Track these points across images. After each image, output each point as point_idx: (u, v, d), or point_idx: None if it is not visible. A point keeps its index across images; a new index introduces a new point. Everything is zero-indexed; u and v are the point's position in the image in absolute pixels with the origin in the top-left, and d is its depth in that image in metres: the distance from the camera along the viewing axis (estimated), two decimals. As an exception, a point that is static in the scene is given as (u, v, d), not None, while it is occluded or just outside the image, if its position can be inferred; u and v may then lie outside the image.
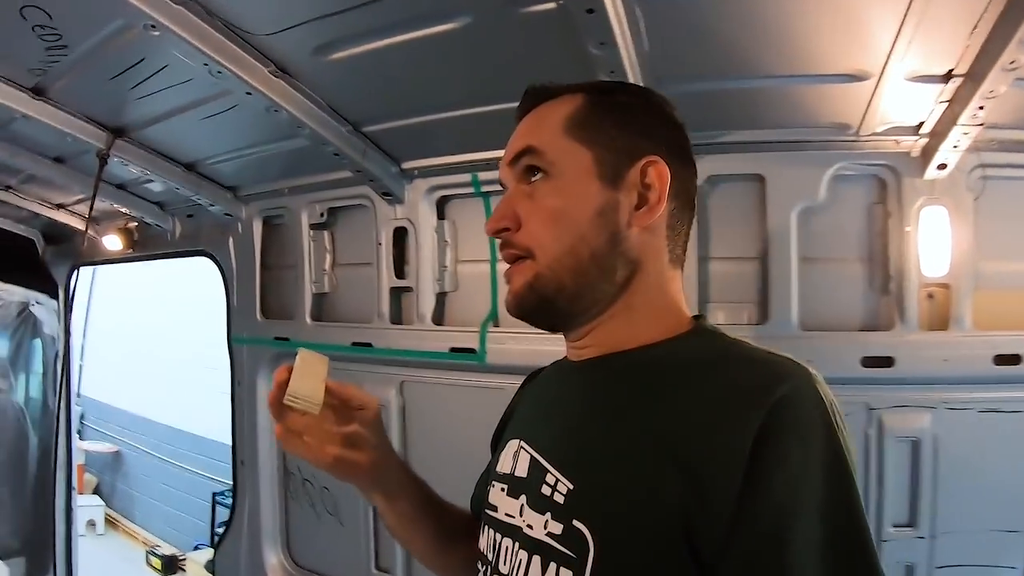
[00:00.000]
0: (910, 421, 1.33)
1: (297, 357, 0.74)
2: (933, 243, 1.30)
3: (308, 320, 2.06)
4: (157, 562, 5.78)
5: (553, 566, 0.62)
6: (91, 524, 6.48)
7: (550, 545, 0.63)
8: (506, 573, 0.68)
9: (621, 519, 0.59)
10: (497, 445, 0.84)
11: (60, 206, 2.64)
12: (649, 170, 0.68)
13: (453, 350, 1.73)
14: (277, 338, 2.13)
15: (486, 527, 0.75)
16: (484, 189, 1.69)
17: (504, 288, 0.73)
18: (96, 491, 7.06)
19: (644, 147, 0.69)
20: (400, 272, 1.86)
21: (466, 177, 1.68)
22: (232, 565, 2.26)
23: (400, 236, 1.85)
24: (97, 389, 7.21)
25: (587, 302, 0.70)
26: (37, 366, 3.03)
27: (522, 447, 0.73)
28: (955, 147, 1.18)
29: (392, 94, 1.47)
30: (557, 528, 0.62)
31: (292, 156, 1.78)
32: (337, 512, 2.07)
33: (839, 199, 1.37)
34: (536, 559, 0.64)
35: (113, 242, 2.66)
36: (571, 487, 0.63)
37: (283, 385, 0.71)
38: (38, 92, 1.58)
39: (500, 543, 0.71)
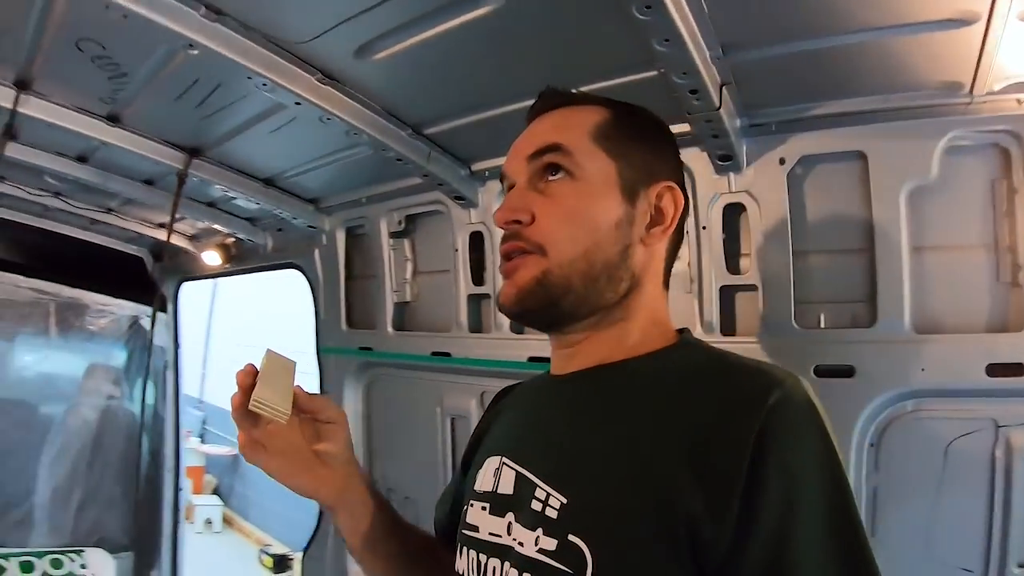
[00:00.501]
0: None
1: (263, 358, 0.70)
2: None
3: (390, 330, 2.08)
4: (268, 560, 6.17)
5: None
6: (208, 522, 7.08)
7: (543, 563, 0.62)
8: None
9: (621, 532, 0.59)
10: (469, 464, 0.84)
11: (161, 225, 2.86)
12: (665, 194, 0.73)
13: (531, 360, 1.64)
14: (361, 348, 2.18)
15: (465, 549, 0.74)
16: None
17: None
18: (216, 491, 7.69)
19: (661, 171, 0.74)
20: (479, 279, 1.83)
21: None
22: (318, 569, 2.30)
23: (477, 241, 1.81)
24: (219, 396, 7.85)
25: (590, 307, 0.72)
26: (148, 374, 3.31)
27: (504, 463, 0.73)
28: None
29: (448, 90, 1.42)
30: (550, 544, 0.62)
31: (363, 164, 1.79)
32: (418, 522, 2.07)
33: (955, 175, 1.15)
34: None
35: (212, 257, 2.87)
36: (564, 501, 0.63)
37: (248, 389, 0.68)
38: (113, 119, 1.70)
39: (487, 564, 0.70)
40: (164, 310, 3.25)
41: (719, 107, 1.11)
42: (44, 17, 1.24)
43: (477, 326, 1.83)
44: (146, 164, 1.92)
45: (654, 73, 1.09)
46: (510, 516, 0.68)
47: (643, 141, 0.74)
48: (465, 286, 1.84)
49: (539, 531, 0.63)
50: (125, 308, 3.14)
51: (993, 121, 1.09)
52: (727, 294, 1.38)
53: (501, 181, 0.78)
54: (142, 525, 3.14)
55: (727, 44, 1.06)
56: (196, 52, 1.20)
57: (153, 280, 3.20)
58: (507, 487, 0.71)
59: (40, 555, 2.78)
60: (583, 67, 1.18)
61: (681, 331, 0.76)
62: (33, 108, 1.57)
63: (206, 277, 3.17)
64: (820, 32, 1.03)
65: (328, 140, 1.67)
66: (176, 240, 2.91)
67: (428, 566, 0.89)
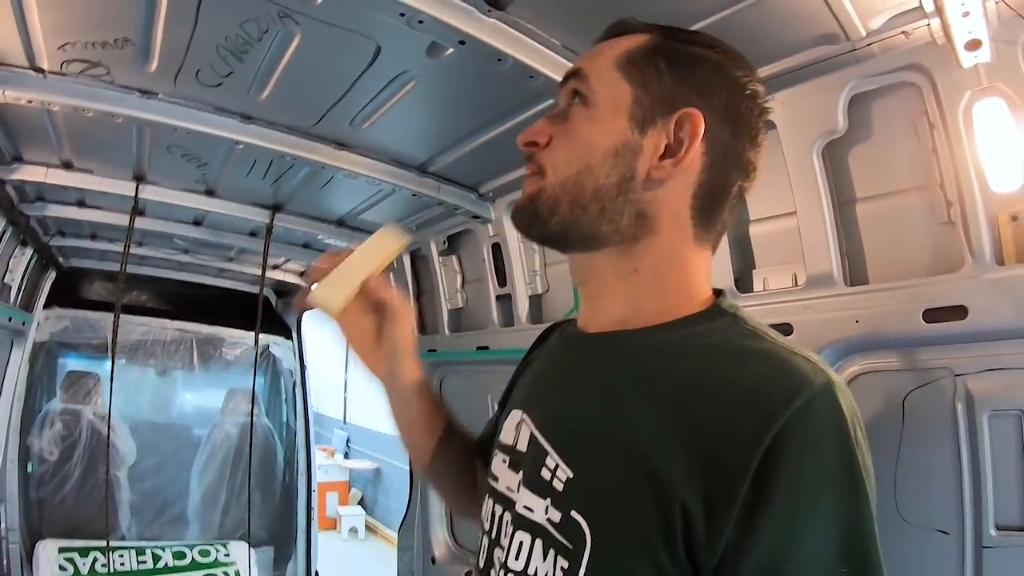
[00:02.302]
0: (1012, 388, 1.01)
1: (376, 233, 0.84)
2: (995, 148, 1.00)
3: (447, 332, 2.44)
4: (407, 564, 6.71)
5: (552, 552, 0.62)
6: (353, 531, 7.67)
7: (549, 532, 0.62)
8: (504, 545, 0.68)
9: (618, 516, 0.58)
10: (507, 402, 0.86)
11: (275, 267, 3.44)
12: (685, 122, 0.65)
13: None
14: (429, 351, 2.53)
15: (488, 497, 0.75)
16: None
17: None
18: (360, 503, 8.44)
19: (690, 100, 0.65)
20: (502, 282, 2.14)
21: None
22: (410, 539, 2.70)
23: (498, 250, 2.11)
24: (360, 416, 8.76)
25: (582, 234, 0.68)
26: (281, 394, 3.93)
27: (524, 420, 0.73)
28: (965, 14, 0.89)
29: (435, 131, 1.70)
30: (556, 516, 0.62)
31: (400, 200, 2.14)
32: None
33: (871, 123, 1.16)
34: (538, 543, 0.63)
35: (320, 290, 3.39)
36: (570, 475, 0.62)
37: (319, 278, 0.83)
38: (210, 193, 2.22)
39: (501, 516, 0.71)
40: (289, 337, 3.88)
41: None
42: (141, 134, 1.74)
43: (507, 321, 2.15)
44: (243, 222, 2.46)
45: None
46: (521, 474, 0.69)
47: (681, 69, 0.67)
48: (493, 289, 2.16)
49: (548, 500, 0.63)
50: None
51: (888, 60, 1.08)
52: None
53: None
54: (279, 522, 3.68)
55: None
56: (242, 147, 1.65)
57: (278, 313, 3.83)
58: (523, 445, 0.71)
59: (191, 546, 3.36)
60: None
61: (717, 293, 0.70)
62: (151, 193, 2.13)
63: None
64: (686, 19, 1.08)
65: (360, 189, 2.07)
66: (289, 277, 3.51)
67: (460, 470, 0.95)
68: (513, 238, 2.04)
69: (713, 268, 0.70)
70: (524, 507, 0.66)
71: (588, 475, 0.62)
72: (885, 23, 1.05)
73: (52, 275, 3.15)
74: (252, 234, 2.70)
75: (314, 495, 3.76)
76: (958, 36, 0.94)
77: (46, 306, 3.17)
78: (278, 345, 3.80)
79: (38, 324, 3.12)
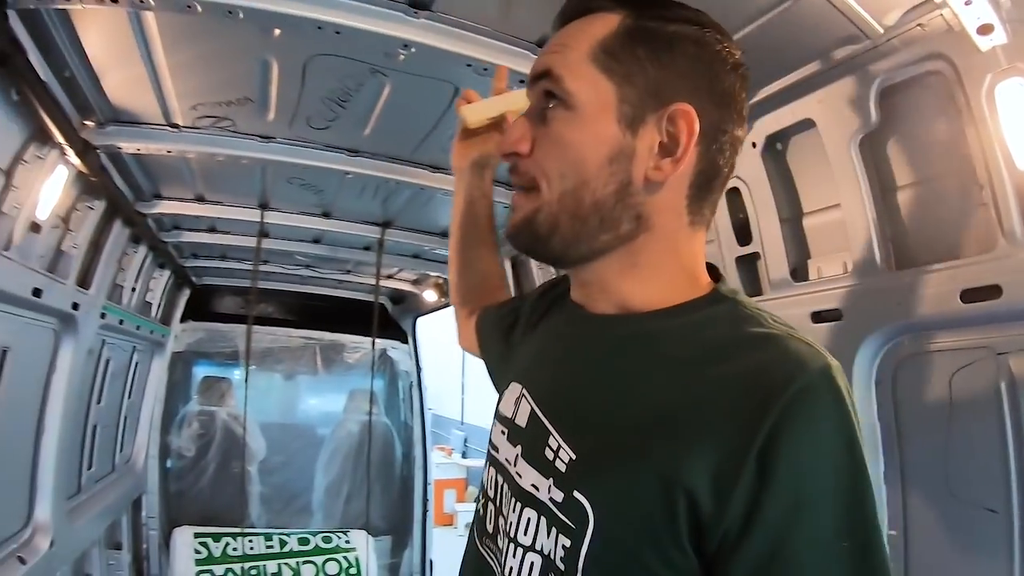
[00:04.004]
0: None
1: (516, 93, 1.05)
2: (1020, 126, 1.05)
3: None
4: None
5: (554, 531, 0.63)
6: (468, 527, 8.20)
7: (552, 511, 0.64)
8: (506, 515, 0.71)
9: (622, 497, 0.59)
10: (498, 331, 0.98)
11: (389, 276, 3.85)
12: (679, 118, 0.63)
13: None
14: None
15: (489, 465, 0.79)
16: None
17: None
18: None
19: (678, 90, 0.63)
20: None
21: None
22: None
23: None
24: (477, 416, 9.21)
25: (582, 249, 0.68)
26: (399, 395, 4.34)
27: (524, 395, 0.74)
28: (968, 3, 0.97)
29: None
30: (558, 496, 0.63)
31: (497, 210, 2.42)
32: None
33: (898, 114, 1.24)
34: (543, 520, 0.65)
35: (431, 295, 3.76)
36: (573, 457, 0.63)
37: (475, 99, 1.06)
38: (326, 215, 2.62)
39: (502, 486, 0.74)
40: (405, 341, 4.31)
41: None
42: (264, 170, 2.12)
43: None
44: (357, 238, 2.85)
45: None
46: (519, 448, 0.71)
47: (661, 53, 0.63)
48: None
49: (550, 480, 0.64)
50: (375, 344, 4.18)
51: (911, 52, 1.15)
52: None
53: None
54: (397, 514, 4.06)
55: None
56: (351, 176, 2.06)
57: (393, 319, 4.25)
58: (522, 420, 0.73)
59: (315, 534, 3.76)
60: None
61: (714, 276, 0.71)
62: (274, 218, 2.56)
63: (433, 311, 4.10)
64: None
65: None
66: (403, 285, 3.90)
67: (480, 267, 1.14)
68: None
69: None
70: (531, 485, 0.67)
71: (591, 457, 0.63)
72: (900, 19, 1.12)
73: (187, 292, 3.72)
74: (366, 248, 3.08)
75: (430, 488, 4.12)
76: (968, 23, 1.01)
77: (182, 320, 3.74)
78: (396, 349, 4.23)
79: (175, 336, 3.68)
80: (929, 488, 1.25)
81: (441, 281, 3.64)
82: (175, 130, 1.81)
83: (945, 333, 1.21)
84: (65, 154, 1.67)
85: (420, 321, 4.33)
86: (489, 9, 1.29)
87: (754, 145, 1.48)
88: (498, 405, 0.81)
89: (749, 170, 1.51)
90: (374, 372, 3.70)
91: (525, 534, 0.66)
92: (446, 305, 3.81)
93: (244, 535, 3.52)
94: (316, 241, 3.02)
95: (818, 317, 1.38)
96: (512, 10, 1.30)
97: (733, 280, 1.58)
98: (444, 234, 2.81)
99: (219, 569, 3.40)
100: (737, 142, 0.68)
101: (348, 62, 1.45)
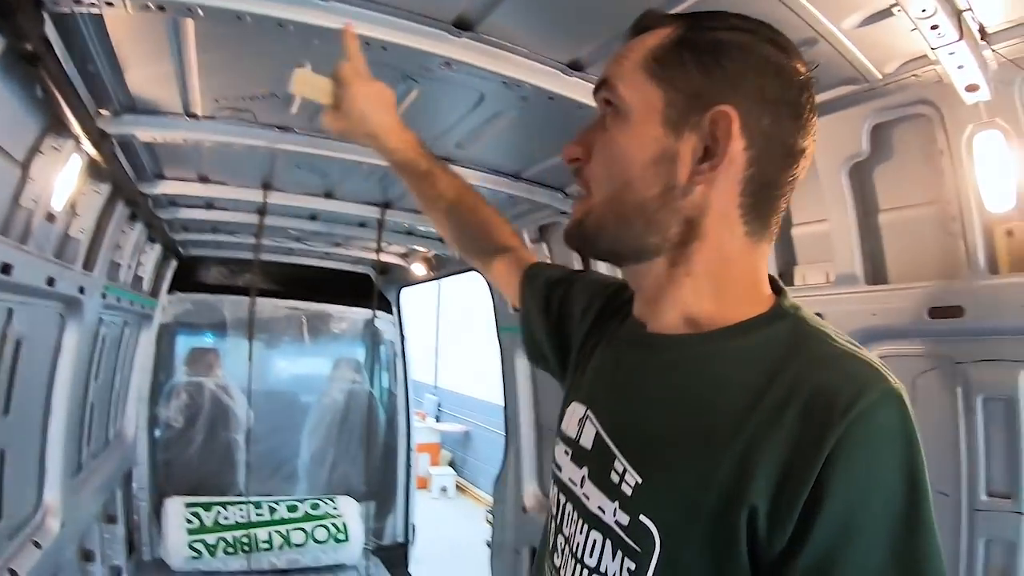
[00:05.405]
0: (1001, 378, 1.25)
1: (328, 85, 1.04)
2: (992, 174, 1.22)
3: None
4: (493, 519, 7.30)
5: (619, 553, 0.65)
6: (443, 490, 8.46)
7: (618, 534, 0.65)
8: (568, 535, 0.73)
9: (687, 519, 0.60)
10: (542, 300, 0.99)
11: (378, 250, 3.90)
12: (720, 120, 0.64)
13: None
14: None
15: (553, 484, 0.81)
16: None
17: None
18: (450, 464, 9.12)
19: (722, 93, 0.64)
20: (586, 265, 2.45)
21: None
22: (504, 491, 3.19)
23: None
24: (450, 381, 9.42)
25: (631, 250, 0.70)
26: (383, 363, 4.47)
27: (589, 417, 0.76)
28: (960, 67, 1.12)
29: (528, 147, 2.06)
30: (624, 519, 0.65)
31: (500, 198, 2.49)
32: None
33: (886, 147, 1.41)
34: (608, 543, 0.66)
35: (419, 269, 3.86)
36: (639, 481, 0.65)
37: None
38: (328, 195, 2.68)
39: (564, 505, 0.76)
40: (390, 311, 4.42)
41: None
42: (272, 156, 2.14)
43: None
44: (355, 217, 2.92)
45: None
46: (585, 470, 0.72)
47: (708, 59, 0.65)
48: None
49: (616, 503, 0.66)
50: (360, 313, 4.29)
51: (903, 96, 1.31)
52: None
53: None
54: (380, 479, 4.22)
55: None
56: (364, 167, 2.10)
57: (379, 290, 4.34)
58: (587, 442, 0.74)
59: (303, 500, 3.88)
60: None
61: (777, 291, 0.71)
62: (276, 198, 2.59)
63: (418, 283, 4.23)
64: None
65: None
66: (391, 259, 3.99)
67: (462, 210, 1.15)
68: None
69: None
70: (598, 507, 0.69)
71: (657, 481, 0.64)
72: (898, 68, 1.27)
73: (174, 264, 3.72)
74: (361, 224, 3.14)
75: (413, 454, 4.30)
76: (958, 82, 1.17)
77: (169, 291, 3.74)
78: (380, 319, 4.33)
79: (163, 308, 3.70)
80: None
81: (430, 256, 3.72)
82: (192, 119, 1.83)
83: (912, 342, 1.40)
84: (80, 144, 1.67)
85: (403, 291, 4.45)
86: (525, 32, 1.38)
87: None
88: (560, 424, 0.83)
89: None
90: (363, 342, 3.77)
91: (591, 556, 0.68)
92: (433, 278, 3.93)
93: (234, 504, 3.61)
94: (313, 218, 3.07)
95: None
96: (546, 34, 1.40)
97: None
98: (440, 214, 2.93)
99: (211, 538, 3.50)
100: (796, 153, 0.67)
101: (383, 67, 1.50)
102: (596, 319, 0.89)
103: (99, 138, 1.71)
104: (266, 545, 3.62)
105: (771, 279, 0.72)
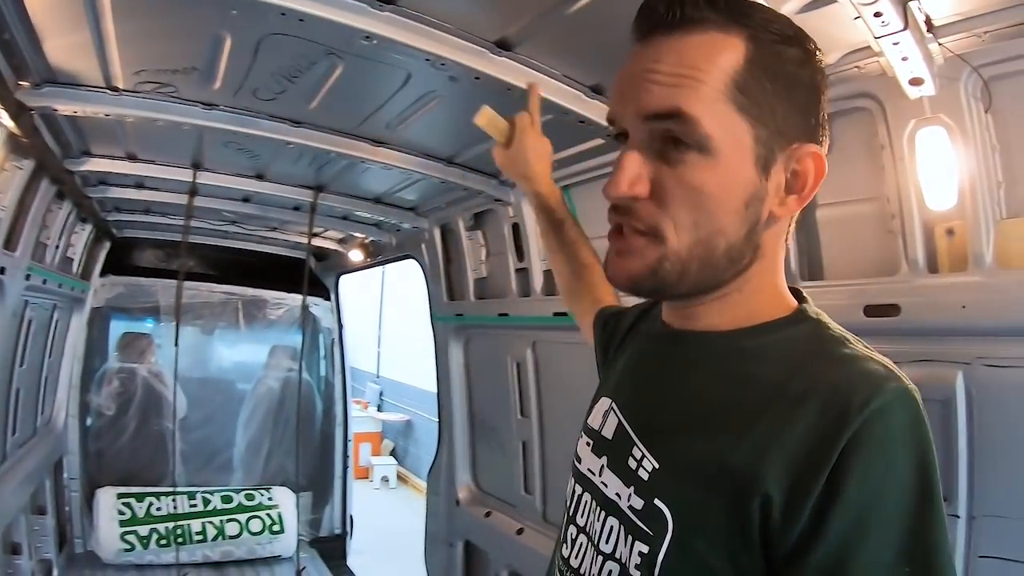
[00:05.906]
0: (935, 379, 1.23)
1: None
2: (934, 171, 1.20)
3: (472, 299, 2.80)
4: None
5: (631, 538, 0.66)
6: (385, 480, 8.35)
7: (631, 519, 0.66)
8: (582, 525, 0.75)
9: (700, 504, 0.61)
10: (606, 335, 0.99)
11: (316, 235, 3.79)
12: (806, 159, 0.64)
13: (555, 315, 2.25)
14: (456, 315, 2.91)
15: (571, 478, 0.81)
16: (563, 184, 2.11)
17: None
18: (392, 453, 9.01)
19: (803, 128, 0.64)
20: (520, 257, 2.47)
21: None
22: (437, 483, 3.14)
23: (518, 229, 2.43)
24: (393, 370, 9.28)
25: (707, 287, 0.68)
26: (320, 351, 4.36)
27: (612, 409, 0.77)
28: (904, 59, 1.10)
29: (461, 130, 1.97)
30: (638, 503, 0.66)
31: (434, 183, 2.44)
32: (503, 449, 2.80)
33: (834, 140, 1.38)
34: (622, 528, 0.68)
35: (356, 255, 3.75)
36: (656, 466, 0.66)
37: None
38: (259, 177, 2.58)
39: (581, 496, 0.77)
40: (328, 298, 4.29)
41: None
42: (201, 134, 2.03)
43: (524, 291, 2.48)
44: (288, 200, 2.81)
45: None
46: (604, 459, 0.74)
47: (786, 87, 0.63)
48: (513, 263, 2.50)
49: (631, 488, 0.67)
50: (297, 300, 4.06)
51: (845, 88, 1.28)
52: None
53: (610, 124, 0.69)
54: (317, 470, 4.14)
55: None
56: (292, 146, 1.99)
57: (316, 276, 4.20)
58: (609, 432, 0.75)
59: (237, 490, 3.79)
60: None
61: (799, 298, 0.72)
62: (206, 178, 2.48)
63: (356, 270, 4.12)
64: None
65: (396, 177, 2.40)
66: (328, 244, 3.88)
67: (581, 268, 1.17)
68: (530, 219, 2.32)
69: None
70: (615, 494, 0.70)
71: (673, 466, 0.65)
72: (840, 59, 1.24)
73: (107, 245, 3.55)
74: (296, 208, 3.05)
75: (350, 445, 4.22)
76: (902, 75, 1.15)
77: (101, 274, 3.58)
78: (317, 306, 4.23)
79: (95, 291, 3.54)
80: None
81: (367, 242, 3.63)
82: (115, 93, 1.73)
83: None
84: (-2, 116, 1.57)
85: (343, 279, 4.33)
86: (452, 7, 1.32)
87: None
88: (586, 419, 0.83)
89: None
90: (300, 329, 3.67)
91: (607, 542, 0.69)
92: (370, 265, 3.85)
93: (167, 494, 3.50)
94: (246, 200, 2.96)
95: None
96: (474, 10, 1.33)
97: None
98: (376, 200, 2.85)
99: (143, 530, 3.40)
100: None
101: (305, 43, 1.42)
102: (631, 326, 0.92)
103: (18, 111, 1.63)
104: (200, 537, 3.54)
105: (794, 290, 0.73)
